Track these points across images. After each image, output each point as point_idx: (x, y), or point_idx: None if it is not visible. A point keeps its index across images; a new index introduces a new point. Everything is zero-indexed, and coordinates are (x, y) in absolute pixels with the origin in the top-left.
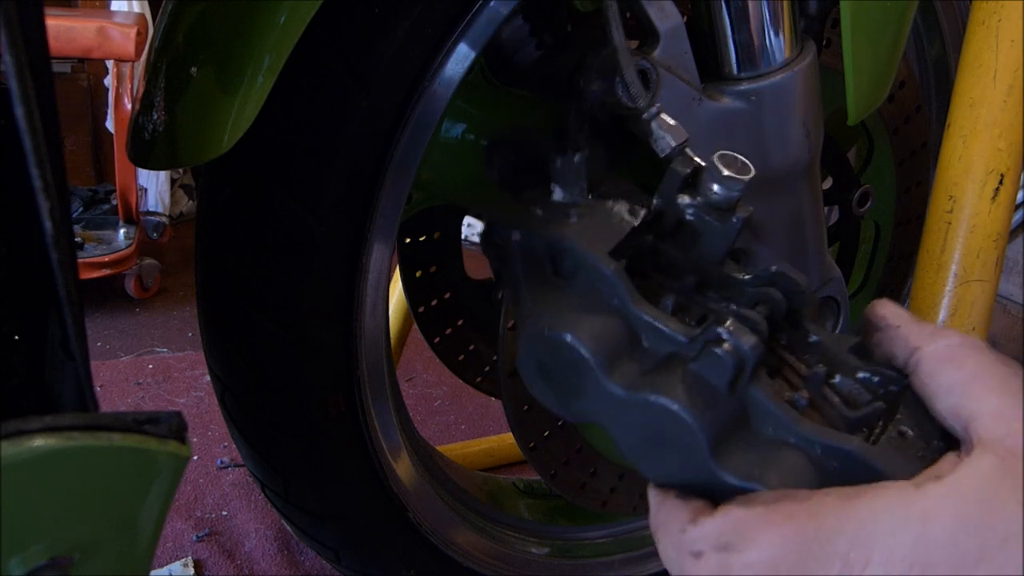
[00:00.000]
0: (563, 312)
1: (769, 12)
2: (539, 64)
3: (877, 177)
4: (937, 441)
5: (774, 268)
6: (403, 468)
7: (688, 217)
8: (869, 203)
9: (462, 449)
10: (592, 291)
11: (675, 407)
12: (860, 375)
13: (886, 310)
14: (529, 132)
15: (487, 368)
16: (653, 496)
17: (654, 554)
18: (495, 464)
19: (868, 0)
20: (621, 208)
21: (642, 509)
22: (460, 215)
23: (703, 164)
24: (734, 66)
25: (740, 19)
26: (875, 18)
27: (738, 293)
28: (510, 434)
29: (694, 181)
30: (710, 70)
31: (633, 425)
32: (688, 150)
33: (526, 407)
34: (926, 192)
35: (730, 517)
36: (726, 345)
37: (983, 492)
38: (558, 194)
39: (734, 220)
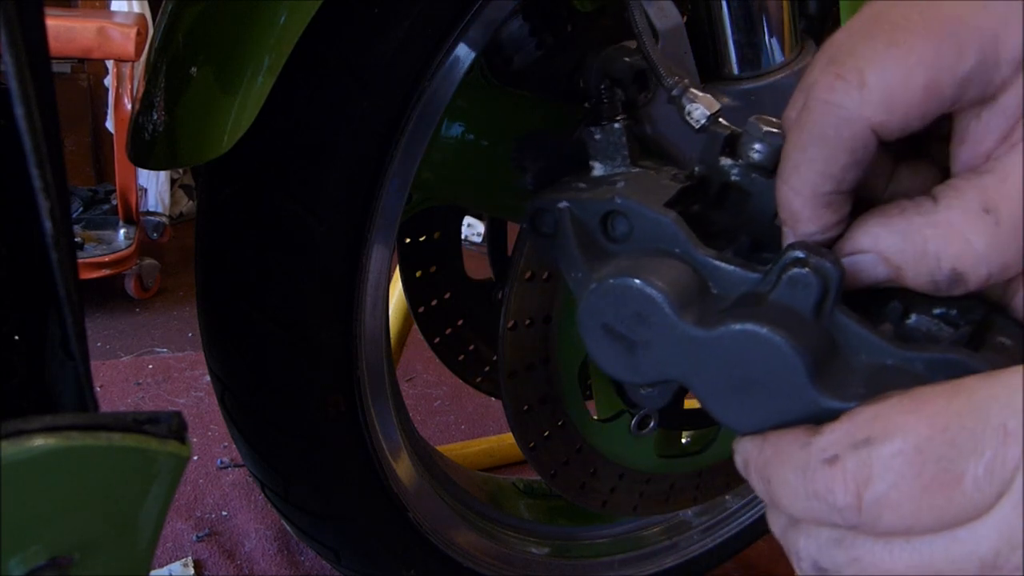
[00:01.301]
0: (624, 267)
1: (769, 12)
2: (539, 64)
3: None
4: None
5: None
6: (403, 468)
7: (734, 178)
8: None
9: (462, 449)
10: (651, 247)
11: (765, 331)
12: (936, 311)
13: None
14: (551, 132)
15: (487, 368)
16: (748, 443)
17: (654, 554)
18: (495, 464)
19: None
20: (666, 174)
21: (643, 509)
22: (460, 215)
23: (742, 127)
24: (734, 66)
25: (740, 19)
26: None
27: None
28: (510, 434)
29: (733, 146)
30: (710, 70)
31: (716, 370)
32: (722, 119)
33: (526, 407)
34: None
35: (862, 414)
36: (808, 267)
37: None
38: (598, 169)
39: None
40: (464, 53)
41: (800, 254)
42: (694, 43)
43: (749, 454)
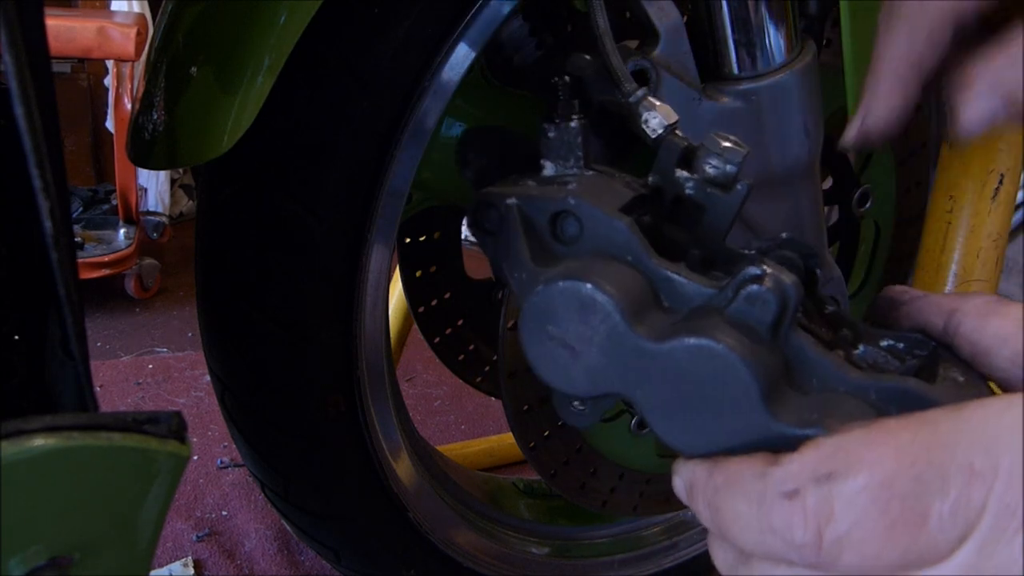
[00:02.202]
0: (574, 270)
1: (769, 12)
2: (539, 64)
3: (877, 177)
4: (987, 387)
5: (784, 235)
6: (403, 468)
7: (688, 191)
8: (869, 203)
9: (462, 449)
10: (602, 253)
11: (720, 347)
12: (884, 342)
13: (898, 288)
14: (504, 129)
15: (487, 368)
16: (696, 467)
17: (654, 554)
18: (495, 464)
19: (868, 0)
20: (620, 180)
21: (643, 509)
22: (460, 215)
23: (696, 144)
24: (734, 66)
25: (740, 19)
26: (875, 18)
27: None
28: (510, 434)
29: (690, 159)
30: (710, 70)
31: (665, 385)
32: (679, 131)
33: (526, 407)
34: (926, 192)
35: (824, 446)
36: (766, 282)
37: None
38: (549, 169)
39: (739, 188)
40: (464, 53)
41: (758, 271)
42: (694, 43)
43: (696, 478)
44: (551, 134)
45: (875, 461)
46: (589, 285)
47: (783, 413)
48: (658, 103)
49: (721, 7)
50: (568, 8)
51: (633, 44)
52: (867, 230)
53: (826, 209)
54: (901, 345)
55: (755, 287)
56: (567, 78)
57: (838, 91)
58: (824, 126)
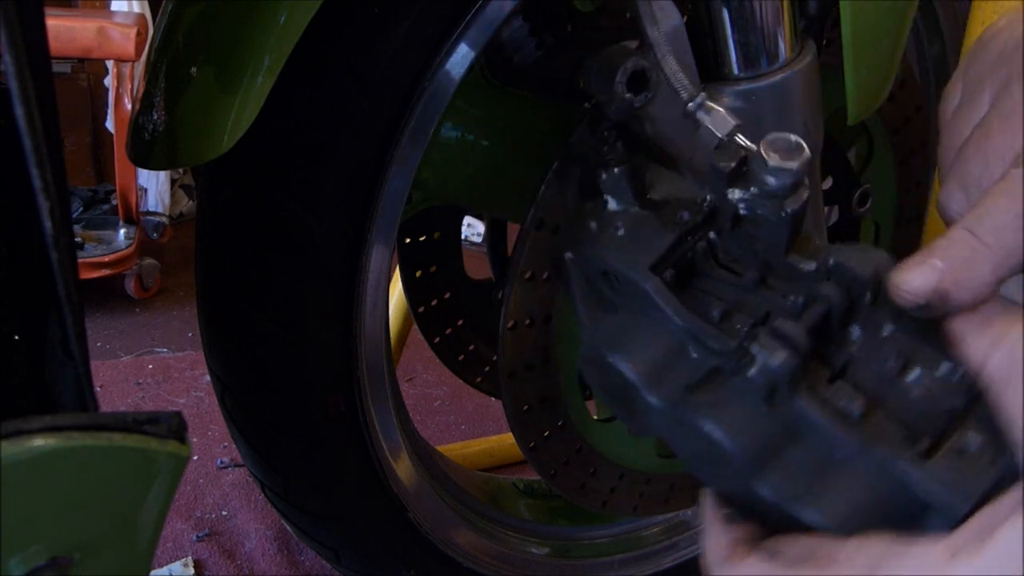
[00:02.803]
0: (612, 331)
1: (769, 12)
2: (539, 64)
3: (877, 177)
4: (1007, 460)
5: (831, 261)
6: (403, 468)
7: (742, 211)
8: (869, 203)
9: (462, 449)
10: (639, 305)
11: (708, 428)
12: (941, 370)
13: (957, 321)
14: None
15: (487, 368)
16: (708, 507)
17: (654, 554)
18: (495, 464)
19: (868, 0)
20: (668, 215)
21: (643, 509)
22: (460, 215)
23: (750, 154)
24: (734, 66)
25: (740, 19)
26: (875, 18)
27: (802, 286)
28: (510, 434)
29: (744, 172)
30: (710, 70)
31: (681, 439)
32: (740, 137)
33: (526, 407)
34: (926, 192)
35: (758, 569)
36: (756, 364)
37: None
38: (612, 204)
39: (785, 213)
40: (464, 53)
41: (753, 349)
42: (694, 43)
43: (705, 514)
44: (604, 177)
45: None
46: (610, 358)
47: (771, 482)
48: (716, 108)
49: (721, 7)
50: (568, 8)
51: (633, 44)
52: (867, 230)
53: (826, 209)
54: (958, 375)
55: (747, 367)
56: (612, 129)
57: (838, 91)
58: (824, 126)
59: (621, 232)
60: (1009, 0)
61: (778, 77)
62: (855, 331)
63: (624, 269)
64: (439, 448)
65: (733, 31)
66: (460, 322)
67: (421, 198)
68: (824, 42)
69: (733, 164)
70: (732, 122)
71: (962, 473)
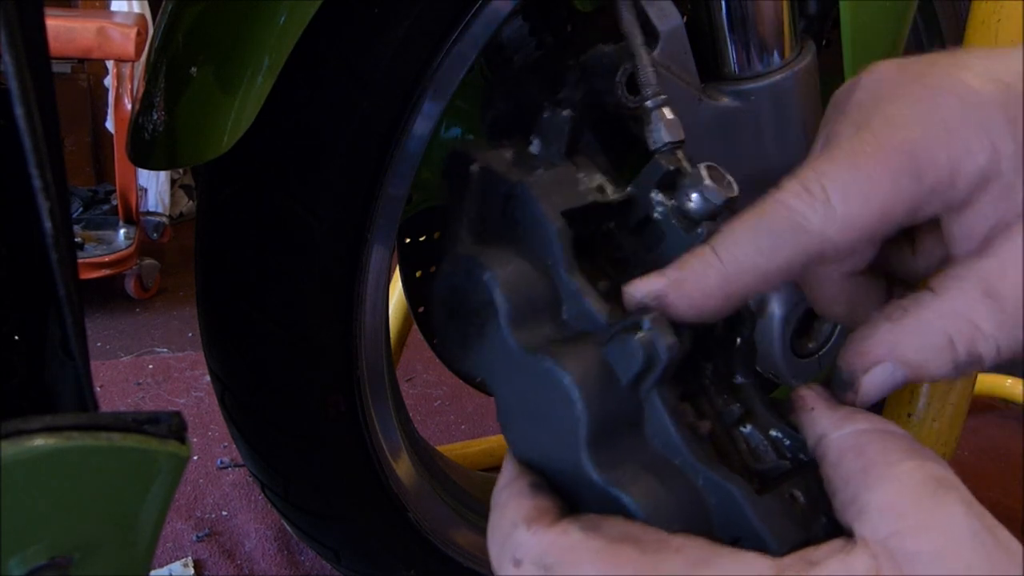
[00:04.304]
0: (491, 252)
1: (769, 12)
2: (539, 64)
3: None
4: (826, 520)
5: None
6: (403, 468)
7: (656, 215)
8: None
9: (462, 449)
10: (530, 245)
11: (567, 380)
12: (773, 432)
13: (807, 391)
14: (531, 82)
15: None
16: (508, 468)
17: None
18: (495, 464)
19: (868, 0)
20: (592, 181)
21: None
22: None
23: (687, 169)
24: (734, 66)
25: (740, 19)
26: (875, 18)
27: None
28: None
29: (673, 182)
30: (710, 70)
31: (519, 389)
32: (680, 152)
33: None
34: None
35: (564, 538)
36: (641, 335)
37: None
38: (535, 147)
39: (699, 231)
40: (464, 53)
41: (645, 323)
42: (694, 43)
43: (502, 476)
44: (545, 115)
45: (589, 570)
46: (488, 275)
47: (601, 461)
48: (670, 117)
49: (721, 7)
50: (568, 8)
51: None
52: None
53: None
54: (788, 442)
55: (630, 338)
56: (579, 66)
57: None
58: None
59: (540, 171)
60: (1009, 0)
61: (778, 77)
62: (709, 368)
63: (536, 201)
64: (439, 448)
65: (732, 31)
66: None
67: (421, 198)
68: (824, 42)
69: (672, 167)
70: (680, 136)
71: (787, 518)
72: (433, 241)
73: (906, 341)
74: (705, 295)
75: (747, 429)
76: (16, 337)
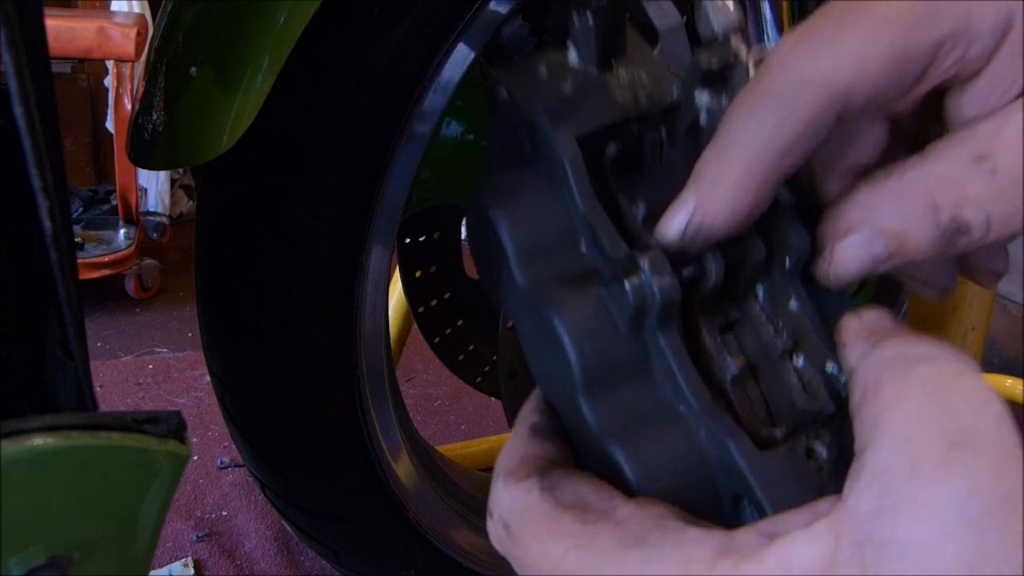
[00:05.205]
0: (508, 188)
1: (769, 12)
2: None
3: None
4: (839, 483)
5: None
6: (403, 468)
7: (703, 120)
8: None
9: (462, 449)
10: (548, 175)
11: (557, 323)
12: (829, 367)
13: (850, 318)
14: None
15: (487, 368)
16: (525, 407)
17: None
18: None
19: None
20: (627, 91)
21: None
22: (460, 215)
23: (736, 61)
24: None
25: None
26: None
27: None
28: (510, 434)
29: (723, 78)
30: None
31: (532, 328)
32: (736, 38)
33: None
34: None
35: (524, 498)
36: (634, 279)
37: None
38: (573, 56)
39: None
40: (464, 53)
41: (641, 263)
42: (694, 43)
43: (521, 416)
44: (574, 21)
45: (534, 550)
46: (494, 214)
47: (599, 408)
48: (725, 3)
49: None
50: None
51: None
52: None
53: None
54: (843, 380)
55: (626, 280)
56: None
57: None
58: None
59: (567, 89)
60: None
61: None
62: (760, 292)
63: (548, 128)
64: (439, 448)
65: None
66: (460, 322)
67: (421, 198)
68: None
69: (715, 66)
70: (735, 18)
71: (792, 476)
72: (433, 241)
73: (885, 205)
74: (736, 194)
75: (798, 362)
76: (16, 337)
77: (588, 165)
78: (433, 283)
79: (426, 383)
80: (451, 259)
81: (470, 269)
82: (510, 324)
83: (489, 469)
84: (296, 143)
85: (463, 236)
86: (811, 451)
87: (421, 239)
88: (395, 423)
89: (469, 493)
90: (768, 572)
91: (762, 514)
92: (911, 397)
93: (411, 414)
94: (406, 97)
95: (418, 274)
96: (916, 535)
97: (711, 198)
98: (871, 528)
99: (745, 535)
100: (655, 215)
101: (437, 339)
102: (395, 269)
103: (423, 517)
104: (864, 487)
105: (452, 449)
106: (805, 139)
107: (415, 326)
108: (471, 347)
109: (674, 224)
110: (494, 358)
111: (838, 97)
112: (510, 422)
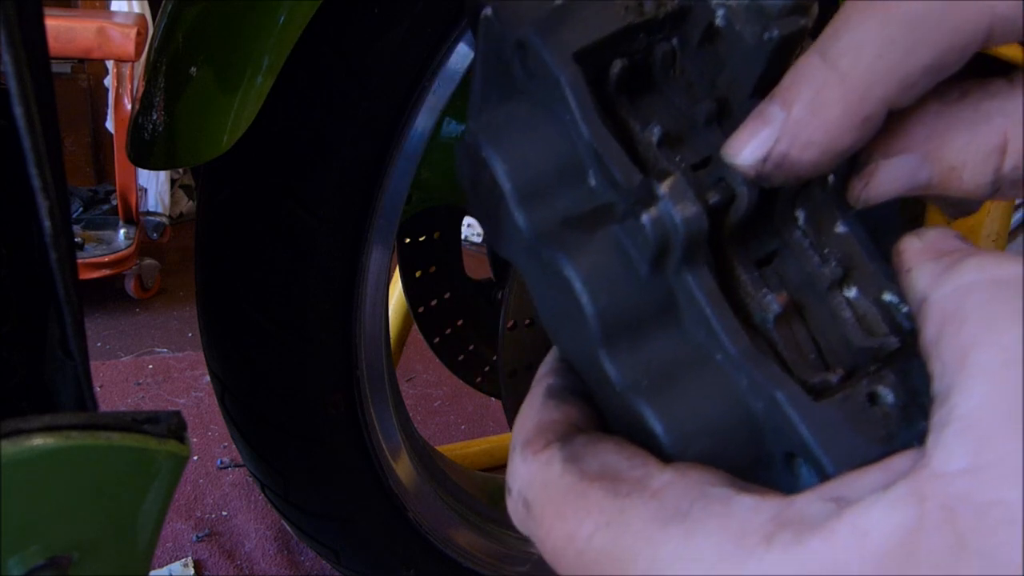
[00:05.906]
0: (501, 121)
1: None
2: None
3: None
4: (911, 432)
5: None
6: (403, 468)
7: (719, 22)
8: None
9: (462, 449)
10: (547, 101)
11: (568, 270)
12: (886, 296)
13: (910, 240)
14: None
15: (487, 368)
16: (541, 368)
17: None
18: (495, 464)
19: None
20: None
21: None
22: (460, 215)
23: None
24: None
25: None
26: None
27: None
28: (510, 434)
29: None
30: None
31: (539, 277)
32: None
33: None
34: None
35: (544, 471)
36: (652, 211)
37: (868, 564)
38: None
39: (767, 36)
40: (464, 53)
41: (659, 190)
42: None
43: (537, 378)
44: None
45: (556, 531)
46: (487, 152)
47: (623, 360)
48: None
49: None
50: None
51: None
52: None
53: None
54: (905, 309)
55: (644, 214)
56: None
57: None
58: None
59: (560, 2)
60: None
61: None
62: (801, 215)
63: (540, 45)
64: (439, 448)
65: None
66: (460, 322)
67: (421, 198)
68: None
69: None
70: None
71: (854, 428)
72: (433, 241)
73: (949, 133)
74: (840, 125)
75: (851, 293)
76: (16, 337)
77: (590, 85)
78: (433, 283)
79: (426, 383)
80: (451, 259)
81: (470, 269)
82: (511, 324)
83: (489, 469)
84: (296, 143)
85: (463, 236)
86: (874, 396)
87: (421, 239)
88: (395, 423)
89: (469, 493)
90: (841, 546)
91: (822, 475)
92: (1005, 330)
93: (411, 414)
94: (406, 97)
95: (418, 274)
96: (1019, 499)
97: (805, 124)
98: (966, 489)
99: (807, 501)
100: (672, 138)
101: (437, 339)
102: (395, 269)
103: (423, 517)
104: (953, 440)
105: (452, 449)
106: (936, 70)
107: (415, 326)
108: (471, 347)
109: (751, 147)
110: (494, 358)
111: (997, 22)
112: (510, 422)
